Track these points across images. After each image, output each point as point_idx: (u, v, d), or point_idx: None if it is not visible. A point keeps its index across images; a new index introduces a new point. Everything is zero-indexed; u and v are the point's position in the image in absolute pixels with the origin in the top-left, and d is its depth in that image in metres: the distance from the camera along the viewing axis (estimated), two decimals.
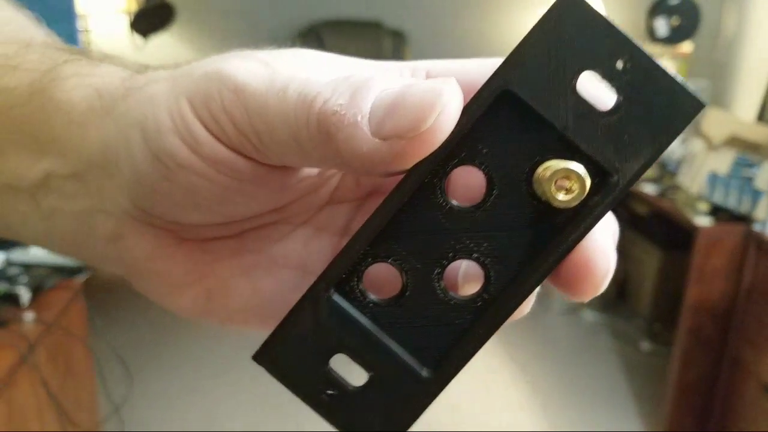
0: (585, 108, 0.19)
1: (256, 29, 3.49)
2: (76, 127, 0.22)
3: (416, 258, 0.21)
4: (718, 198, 2.10)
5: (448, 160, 0.20)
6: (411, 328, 0.21)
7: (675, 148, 2.45)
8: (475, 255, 0.21)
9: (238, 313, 0.25)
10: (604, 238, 0.21)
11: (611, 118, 0.19)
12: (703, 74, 2.88)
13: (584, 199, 0.19)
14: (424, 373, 0.21)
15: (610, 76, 0.19)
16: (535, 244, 0.21)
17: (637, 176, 0.19)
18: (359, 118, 0.18)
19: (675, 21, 2.89)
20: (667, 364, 2.21)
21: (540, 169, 0.20)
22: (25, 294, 1.43)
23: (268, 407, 2.23)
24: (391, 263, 0.21)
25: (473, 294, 0.21)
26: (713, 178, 2.15)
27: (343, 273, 0.21)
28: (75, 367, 1.61)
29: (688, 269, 2.03)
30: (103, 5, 3.23)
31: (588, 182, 0.19)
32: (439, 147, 0.19)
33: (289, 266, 0.25)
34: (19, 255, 1.60)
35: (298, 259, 0.25)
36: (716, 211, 2.08)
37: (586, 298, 0.21)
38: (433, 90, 0.18)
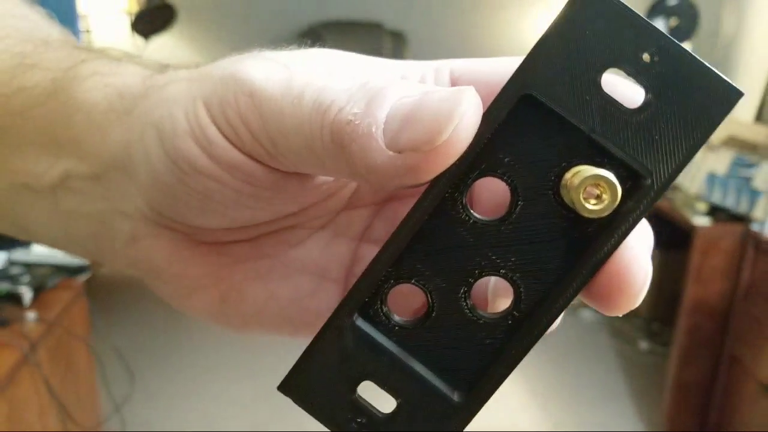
0: (612, 107, 0.18)
1: (257, 30, 3.50)
2: (97, 127, 0.22)
3: (441, 277, 0.20)
4: (717, 198, 2.11)
5: (468, 173, 0.19)
6: (439, 351, 0.20)
7: None
8: (503, 271, 0.20)
9: (253, 317, 0.24)
10: (639, 247, 0.19)
11: (641, 117, 0.18)
12: None
13: (617, 206, 0.18)
14: (455, 397, 0.20)
15: (636, 70, 0.17)
16: (566, 256, 0.19)
17: (672, 177, 0.18)
18: (374, 129, 0.17)
19: (674, 22, 2.89)
20: (666, 364, 2.22)
21: (567, 176, 0.18)
22: (27, 293, 1.43)
23: (268, 407, 2.24)
24: (414, 284, 0.20)
25: (503, 312, 0.20)
26: (711, 178, 2.15)
27: (365, 297, 0.20)
28: (76, 367, 1.61)
29: (687, 269, 2.03)
30: (105, 6, 3.23)
31: (619, 189, 0.18)
32: (459, 159, 0.18)
33: (306, 271, 0.24)
34: (21, 254, 1.60)
35: (315, 264, 0.24)
36: (714, 211, 2.08)
37: (621, 312, 0.19)
38: (450, 100, 0.17)
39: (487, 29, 3.70)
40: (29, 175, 0.24)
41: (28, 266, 1.56)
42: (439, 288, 0.20)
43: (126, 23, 3.18)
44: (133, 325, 2.71)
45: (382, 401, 0.21)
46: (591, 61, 0.18)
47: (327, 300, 0.24)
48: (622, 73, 0.18)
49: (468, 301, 0.20)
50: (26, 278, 1.49)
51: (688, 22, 2.89)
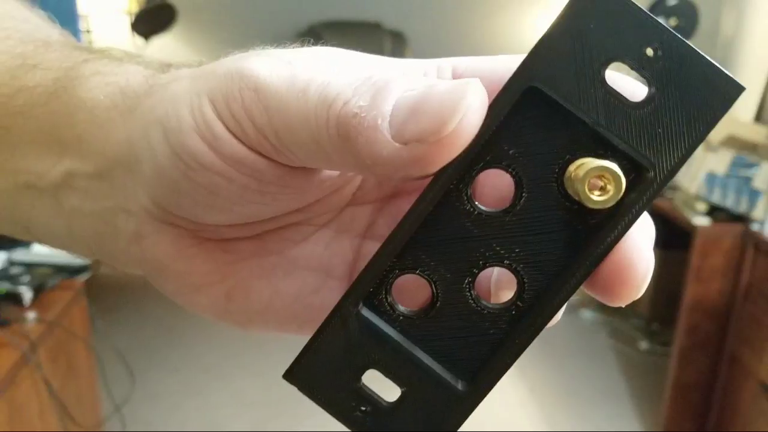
0: (616, 101, 0.18)
1: (257, 30, 3.50)
2: (99, 126, 0.22)
3: (445, 267, 0.20)
4: (716, 198, 2.11)
5: (473, 164, 0.19)
6: (443, 340, 0.20)
7: None
8: (507, 262, 0.20)
9: (258, 314, 0.24)
10: (641, 239, 0.20)
11: (644, 110, 0.18)
12: None
13: (620, 198, 0.18)
14: (460, 386, 0.20)
15: (640, 64, 0.18)
16: (569, 247, 0.20)
17: (675, 170, 0.18)
18: (379, 121, 0.17)
19: (673, 22, 2.89)
20: (666, 364, 2.22)
21: (571, 168, 0.19)
22: (27, 293, 1.43)
23: (269, 408, 2.24)
24: (419, 274, 0.20)
25: (507, 302, 0.20)
26: (711, 178, 2.15)
27: (370, 286, 0.20)
28: (77, 367, 1.62)
29: (687, 269, 2.04)
30: (105, 6, 3.24)
31: (623, 180, 0.18)
32: (464, 151, 0.18)
33: (310, 268, 0.24)
34: (21, 254, 1.60)
35: (319, 261, 0.25)
36: (714, 211, 2.09)
37: (624, 303, 0.20)
38: (456, 91, 0.17)
39: (487, 29, 3.71)
40: (32, 174, 0.24)
41: (28, 266, 1.56)
42: (444, 278, 0.20)
43: (126, 23, 3.18)
44: (133, 325, 2.71)
45: (387, 390, 0.21)
46: (595, 55, 0.18)
47: (331, 296, 0.24)
48: (626, 67, 0.18)
49: (472, 292, 0.20)
50: (26, 278, 1.49)
51: (688, 22, 2.89)
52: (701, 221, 2.03)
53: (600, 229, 0.19)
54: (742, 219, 2.00)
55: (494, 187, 0.22)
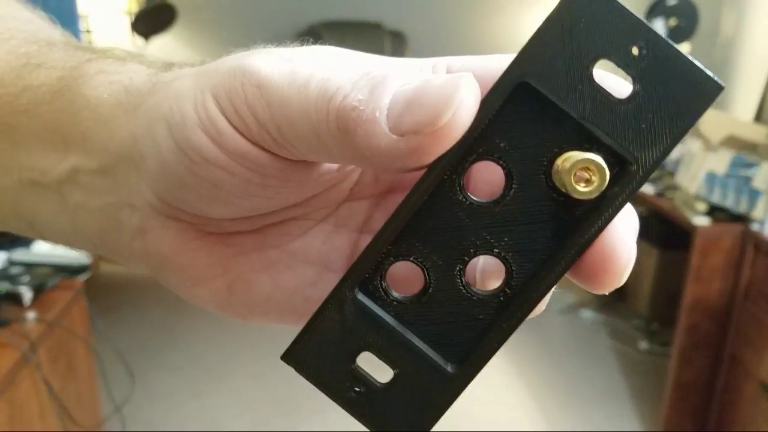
0: (602, 97, 0.19)
1: (257, 30, 3.50)
2: (104, 123, 0.23)
3: (438, 255, 0.21)
4: (716, 198, 2.11)
5: (466, 156, 0.20)
6: (435, 325, 0.21)
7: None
8: (496, 250, 0.21)
9: (259, 306, 0.25)
10: (624, 229, 0.21)
11: (629, 106, 0.19)
12: None
13: (604, 189, 0.19)
14: (449, 368, 0.21)
15: (626, 63, 0.19)
16: (555, 236, 0.20)
17: (656, 164, 0.19)
18: (377, 114, 0.18)
19: (673, 22, 2.90)
20: (665, 364, 2.22)
21: (559, 161, 0.20)
22: (26, 293, 1.43)
23: (269, 408, 2.24)
24: (412, 261, 0.21)
25: (496, 289, 0.21)
26: (711, 178, 2.15)
27: (366, 272, 0.21)
28: (77, 367, 1.62)
29: (686, 269, 2.04)
30: (105, 6, 3.24)
31: (608, 173, 0.19)
32: (457, 143, 0.19)
33: (309, 262, 0.25)
34: (21, 254, 1.60)
35: (318, 254, 0.25)
36: (714, 211, 2.09)
37: (607, 290, 0.21)
38: (450, 85, 0.18)
39: (487, 29, 3.71)
40: (36, 171, 0.24)
41: (28, 266, 1.56)
42: (436, 265, 0.21)
43: (126, 23, 3.19)
44: (133, 325, 2.71)
45: (380, 372, 0.22)
46: (584, 53, 0.19)
47: (328, 289, 0.25)
48: (612, 64, 0.19)
49: (463, 279, 0.21)
50: (26, 278, 1.49)
51: (688, 22, 2.89)
52: (701, 221, 2.04)
53: (585, 219, 0.20)
54: (742, 219, 2.01)
55: (486, 182, 0.23)
